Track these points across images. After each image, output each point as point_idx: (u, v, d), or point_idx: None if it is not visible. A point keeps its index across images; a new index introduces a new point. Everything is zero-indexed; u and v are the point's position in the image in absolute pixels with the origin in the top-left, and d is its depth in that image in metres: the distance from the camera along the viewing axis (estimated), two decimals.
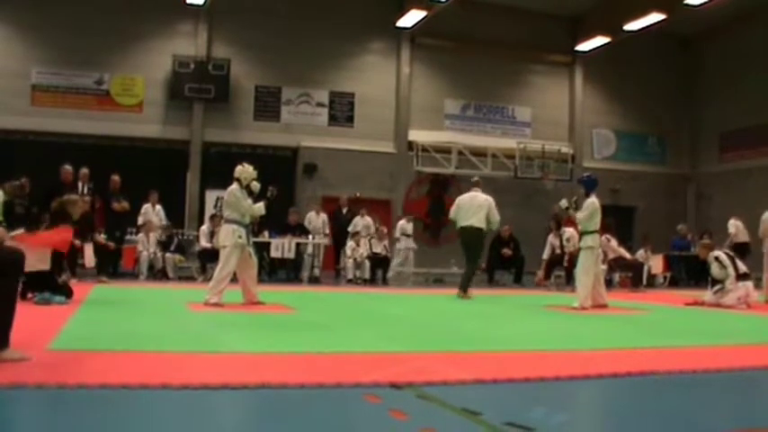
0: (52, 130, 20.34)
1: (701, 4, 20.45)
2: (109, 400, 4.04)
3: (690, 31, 25.60)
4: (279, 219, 17.61)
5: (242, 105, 22.31)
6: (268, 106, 22.56)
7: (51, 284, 9.34)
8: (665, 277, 20.34)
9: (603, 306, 11.59)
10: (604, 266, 15.02)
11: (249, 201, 10.52)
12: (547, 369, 5.23)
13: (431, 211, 23.56)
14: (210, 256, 15.42)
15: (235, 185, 10.50)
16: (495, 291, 16.88)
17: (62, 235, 9.31)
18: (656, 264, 19.53)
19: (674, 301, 13.67)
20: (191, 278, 16.89)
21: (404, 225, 20.12)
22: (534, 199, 22.98)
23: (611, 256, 17.42)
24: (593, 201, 11.78)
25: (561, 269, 17.99)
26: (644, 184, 25.76)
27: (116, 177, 16.61)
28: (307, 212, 19.23)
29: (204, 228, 17.34)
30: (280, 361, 5.53)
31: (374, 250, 18.25)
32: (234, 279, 10.44)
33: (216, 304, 9.82)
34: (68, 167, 15.37)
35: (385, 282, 18.17)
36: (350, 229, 18.64)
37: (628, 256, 18.43)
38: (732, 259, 12.79)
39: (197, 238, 17.95)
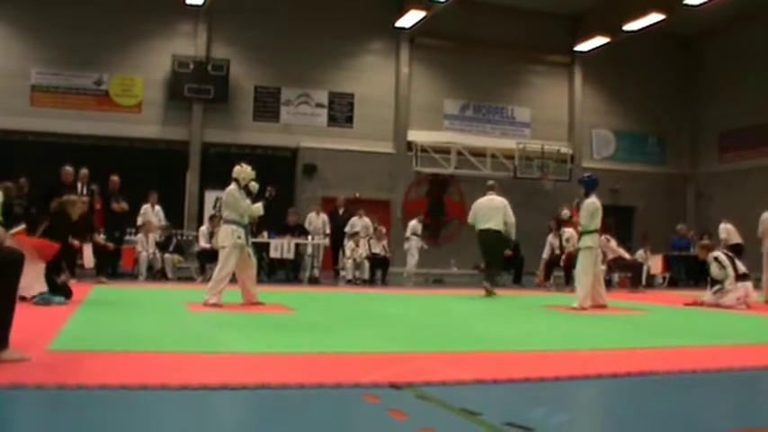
0: (51, 131, 20.33)
1: (701, 5, 20.45)
2: (108, 400, 4.04)
3: (689, 31, 25.61)
4: (278, 219, 17.62)
5: (241, 106, 22.30)
6: (267, 107, 22.55)
7: (51, 285, 9.33)
8: (664, 277, 20.36)
9: (603, 306, 11.59)
10: (604, 267, 15.02)
11: (248, 201, 10.51)
12: (546, 369, 5.23)
13: (430, 211, 23.56)
14: (210, 257, 15.41)
15: (233, 186, 10.49)
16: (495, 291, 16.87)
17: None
18: (655, 264, 19.54)
19: (673, 302, 13.67)
20: (190, 279, 16.89)
21: (415, 225, 20.26)
22: (534, 199, 22.97)
23: (610, 256, 17.42)
24: (592, 201, 11.78)
25: (561, 269, 17.99)
26: (643, 185, 25.76)
27: (115, 178, 16.60)
28: (306, 213, 19.22)
29: (203, 228, 17.35)
30: (279, 361, 5.53)
31: (373, 251, 18.25)
32: (233, 279, 10.43)
33: (215, 305, 9.82)
34: (69, 168, 15.37)
35: (384, 282, 18.17)
36: (347, 229, 18.62)
37: (627, 256, 18.44)
38: (731, 260, 12.79)
39: (196, 238, 17.96)
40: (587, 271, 11.56)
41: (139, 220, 17.38)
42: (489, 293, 14.02)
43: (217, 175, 18.78)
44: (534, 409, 4.12)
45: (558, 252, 17.90)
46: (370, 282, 17.90)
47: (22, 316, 5.19)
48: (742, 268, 12.74)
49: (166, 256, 16.99)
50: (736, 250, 17.22)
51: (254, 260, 10.90)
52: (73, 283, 11.33)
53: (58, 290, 9.51)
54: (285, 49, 22.45)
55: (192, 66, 21.52)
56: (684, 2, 20.44)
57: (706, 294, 12.87)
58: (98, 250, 14.97)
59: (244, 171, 10.56)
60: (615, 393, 4.92)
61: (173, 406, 4.02)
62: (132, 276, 16.53)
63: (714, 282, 12.76)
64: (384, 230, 19.08)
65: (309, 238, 17.96)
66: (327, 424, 3.75)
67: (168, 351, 5.86)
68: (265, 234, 17.21)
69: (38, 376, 4.38)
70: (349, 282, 17.74)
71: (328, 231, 18.59)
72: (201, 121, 21.78)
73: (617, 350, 6.75)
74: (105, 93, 21.28)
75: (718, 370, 5.60)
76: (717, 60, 25.80)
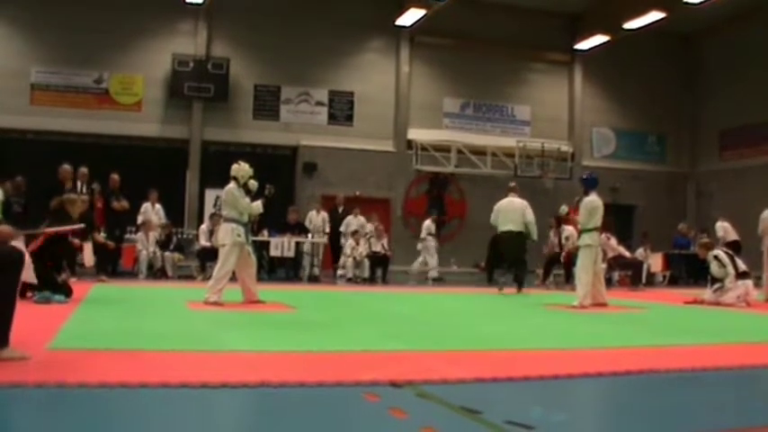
0: (51, 129, 20.32)
1: (701, 3, 20.44)
2: (108, 398, 4.04)
3: (689, 30, 25.59)
4: (278, 218, 17.61)
5: (241, 104, 22.29)
6: (267, 105, 22.54)
7: (51, 283, 9.34)
8: (664, 276, 20.36)
9: (603, 304, 11.59)
10: (604, 265, 15.02)
11: (247, 199, 10.51)
12: (547, 368, 5.24)
13: (430, 209, 23.53)
14: (210, 255, 15.41)
15: (232, 184, 10.49)
16: (494, 289, 16.87)
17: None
18: (655, 262, 19.54)
19: (673, 300, 13.68)
20: (190, 277, 16.88)
21: (429, 225, 20.26)
22: (534, 197, 22.70)
23: (610, 254, 17.43)
24: (591, 199, 11.79)
25: (560, 267, 17.99)
26: (643, 183, 25.75)
27: (115, 176, 16.60)
28: (307, 211, 19.22)
29: (204, 226, 17.35)
30: (279, 360, 5.54)
31: (374, 249, 18.25)
32: (233, 278, 10.44)
33: (215, 303, 9.82)
34: (67, 167, 15.36)
35: (384, 280, 18.16)
36: (342, 228, 18.56)
37: (627, 254, 18.45)
38: (731, 258, 12.80)
39: (196, 236, 17.96)
40: (587, 269, 11.57)
41: (140, 219, 17.37)
42: (519, 291, 14.75)
43: (217, 173, 18.74)
44: (534, 407, 4.12)
45: (557, 250, 17.89)
46: (371, 280, 17.90)
47: (23, 314, 5.20)
48: (742, 266, 12.75)
49: (167, 254, 16.99)
50: (734, 248, 17.24)
51: (253, 258, 10.90)
52: (73, 282, 11.34)
53: (59, 288, 9.52)
54: (285, 48, 22.43)
55: (192, 64, 21.50)
56: (684, 0, 20.43)
57: (706, 293, 12.87)
58: (98, 249, 14.96)
59: (242, 169, 10.56)
60: (615, 392, 4.92)
61: (173, 404, 4.03)
62: (132, 275, 16.53)
63: (714, 280, 12.76)
64: (382, 228, 19.04)
65: (309, 236, 17.95)
66: (327, 422, 3.75)
67: (168, 349, 5.87)
68: (266, 232, 17.21)
69: (38, 375, 4.39)
70: (349, 280, 17.74)
71: (328, 230, 18.59)
72: (201, 120, 21.77)
73: (617, 348, 6.75)
74: (105, 91, 21.27)
75: (718, 368, 5.61)
76: (717, 58, 25.78)
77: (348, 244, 18.16)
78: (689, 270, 20.82)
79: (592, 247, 11.70)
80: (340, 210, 19.44)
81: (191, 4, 21.12)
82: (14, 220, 9.72)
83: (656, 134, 26.61)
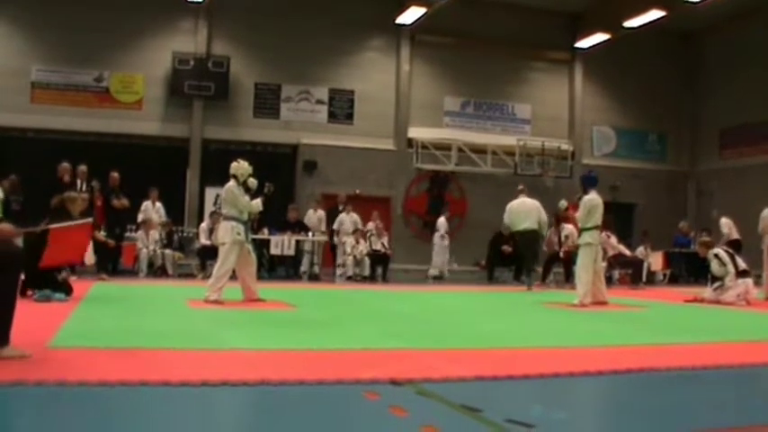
0: (52, 128, 20.31)
1: (701, 1, 20.42)
2: (109, 397, 4.04)
3: (690, 28, 25.56)
4: (278, 216, 17.61)
5: (242, 102, 22.27)
6: (268, 103, 22.53)
7: (51, 282, 9.34)
8: (664, 274, 20.35)
9: (603, 303, 11.60)
10: (604, 263, 15.03)
11: (246, 197, 10.51)
12: (547, 366, 5.24)
13: (430, 208, 23.54)
14: (210, 254, 15.41)
15: (232, 182, 10.50)
16: (494, 288, 16.90)
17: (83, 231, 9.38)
18: (655, 261, 19.54)
19: (673, 298, 13.69)
20: (190, 275, 16.89)
21: (443, 222, 20.27)
22: (534, 196, 22.74)
23: (610, 253, 17.44)
24: (590, 198, 11.79)
25: (560, 265, 17.99)
26: (644, 182, 25.72)
27: (115, 174, 16.60)
28: (307, 210, 19.22)
29: (204, 225, 17.34)
30: (279, 358, 5.54)
31: (374, 247, 18.25)
32: (233, 276, 10.44)
33: (215, 301, 9.83)
34: (66, 165, 15.36)
35: (385, 279, 18.16)
36: (335, 227, 18.48)
37: (627, 253, 18.45)
38: (732, 256, 12.80)
39: (197, 235, 17.96)
40: (587, 268, 11.58)
41: (140, 217, 17.37)
42: (529, 289, 15.34)
43: (217, 171, 18.69)
44: (534, 405, 4.13)
45: (557, 248, 17.89)
46: (371, 278, 17.90)
47: (23, 313, 5.20)
48: (742, 265, 12.75)
49: (167, 252, 16.99)
50: (735, 246, 17.24)
51: (253, 257, 10.90)
52: (73, 280, 11.34)
53: (59, 287, 9.52)
54: (285, 46, 22.42)
55: (192, 62, 21.49)
56: None
57: (706, 291, 12.87)
58: (99, 247, 14.95)
59: (241, 167, 10.56)
60: (615, 390, 4.93)
61: (173, 402, 4.03)
62: (133, 273, 16.54)
63: (714, 278, 12.76)
64: (381, 225, 19.03)
65: (309, 234, 17.95)
66: (328, 421, 3.76)
67: (169, 348, 5.87)
68: (266, 231, 17.21)
69: (38, 373, 4.39)
70: (349, 278, 17.74)
71: (324, 228, 18.58)
72: (202, 118, 21.75)
73: (617, 347, 6.75)
74: (106, 90, 21.25)
75: (718, 367, 5.61)
76: (717, 57, 25.76)
77: (348, 242, 18.14)
78: (689, 268, 20.83)
79: (592, 246, 11.71)
80: (340, 208, 19.39)
81: (191, 2, 21.10)
82: (14, 219, 9.73)
83: (656, 133, 26.58)
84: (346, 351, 6.02)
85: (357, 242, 18.07)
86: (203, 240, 16.83)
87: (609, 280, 16.49)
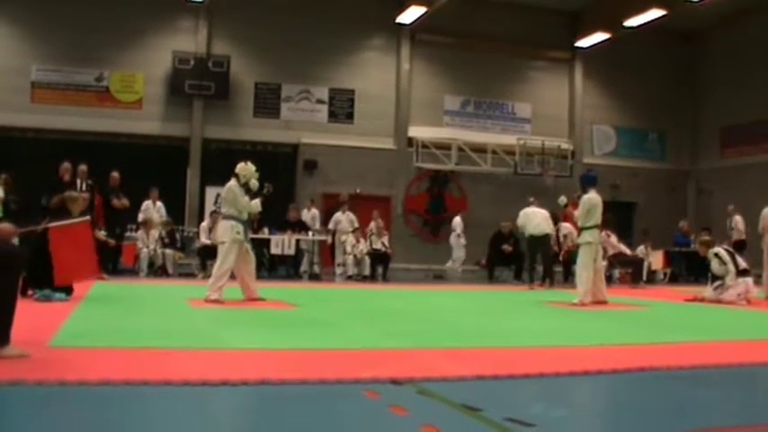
0: (52, 127, 20.32)
1: (701, 0, 20.42)
2: (109, 396, 4.05)
3: (690, 27, 25.55)
4: (279, 215, 17.61)
5: (242, 102, 22.28)
6: (268, 103, 22.54)
7: (52, 281, 9.33)
8: (665, 273, 20.34)
9: (603, 302, 11.59)
10: (605, 262, 15.02)
11: (246, 198, 10.52)
12: (547, 365, 5.25)
13: (430, 207, 23.56)
14: (211, 253, 15.38)
15: (233, 181, 10.50)
16: (495, 287, 16.90)
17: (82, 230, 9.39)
18: (656, 260, 19.51)
19: (673, 298, 13.68)
20: (191, 275, 16.88)
21: (459, 222, 20.29)
22: (534, 195, 22.77)
23: (611, 252, 17.41)
24: (589, 197, 11.78)
25: (559, 264, 17.98)
26: (644, 180, 25.73)
27: (116, 174, 16.58)
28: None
29: (204, 224, 17.32)
30: (280, 357, 5.55)
31: (374, 246, 18.24)
32: (232, 276, 10.44)
33: (216, 301, 9.84)
34: (67, 165, 15.34)
35: (385, 278, 18.15)
36: (330, 226, 18.45)
37: (628, 252, 18.43)
38: (732, 255, 12.79)
39: (197, 234, 17.95)
40: (587, 267, 11.57)
41: (140, 217, 17.36)
42: (547, 287, 15.89)
43: (217, 171, 18.74)
44: (534, 404, 4.13)
45: (555, 248, 17.86)
46: (371, 278, 17.89)
47: (23, 313, 5.20)
48: (743, 264, 12.74)
49: (167, 252, 16.98)
50: (738, 246, 17.25)
51: (252, 256, 10.89)
52: None
53: (60, 286, 9.51)
54: (286, 46, 22.42)
55: (192, 62, 21.49)
56: None
57: (707, 290, 12.86)
58: (99, 247, 14.92)
59: (247, 168, 10.58)
60: (615, 389, 4.93)
61: (174, 402, 4.03)
62: (133, 273, 16.53)
63: (715, 277, 12.76)
64: (382, 224, 19.01)
65: (310, 234, 17.95)
66: (328, 420, 3.76)
67: (169, 347, 5.88)
68: (266, 230, 17.21)
69: (39, 372, 4.40)
70: (349, 278, 17.73)
71: (318, 226, 18.57)
72: (202, 118, 21.76)
73: (617, 346, 6.75)
74: (106, 89, 21.26)
75: (718, 366, 5.61)
76: (717, 56, 25.76)
77: (349, 241, 18.12)
78: (689, 267, 20.81)
79: (591, 245, 11.70)
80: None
81: (191, 1, 21.11)
82: (14, 218, 9.74)
83: (656, 131, 26.59)
84: (346, 350, 6.03)
85: (357, 241, 18.05)
86: (204, 240, 16.81)
87: (609, 279, 16.48)
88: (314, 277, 17.56)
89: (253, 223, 12.61)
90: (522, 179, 23.66)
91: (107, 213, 16.18)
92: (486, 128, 24.43)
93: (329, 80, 23.00)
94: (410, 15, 22.18)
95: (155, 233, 17.07)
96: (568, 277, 16.55)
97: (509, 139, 23.99)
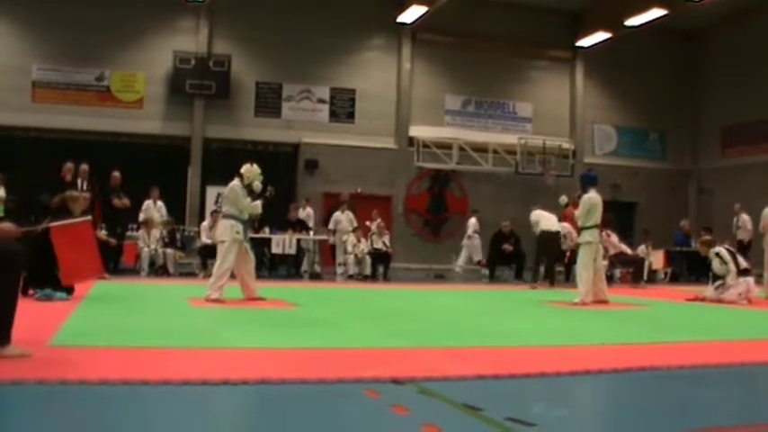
0: (53, 127, 20.32)
1: (702, 0, 20.42)
2: (110, 395, 4.05)
3: (691, 27, 25.54)
4: (280, 215, 17.60)
5: (243, 101, 22.28)
6: (269, 102, 22.54)
7: (53, 281, 9.34)
8: (665, 273, 20.32)
9: (604, 302, 11.59)
10: (605, 262, 15.03)
11: (248, 199, 10.53)
12: (547, 365, 5.24)
13: (431, 206, 23.56)
14: (211, 252, 15.37)
15: (236, 181, 10.51)
16: (495, 286, 16.90)
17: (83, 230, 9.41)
18: (657, 259, 19.50)
19: (674, 297, 13.68)
20: (192, 274, 16.88)
21: (474, 222, 20.28)
22: (535, 195, 22.84)
23: (611, 251, 17.40)
24: (589, 197, 11.78)
25: (563, 264, 17.98)
26: (645, 180, 25.72)
27: (117, 174, 16.58)
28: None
29: (205, 224, 17.32)
30: (280, 357, 5.55)
31: (375, 246, 18.23)
32: (232, 275, 10.44)
33: (216, 300, 9.84)
34: (70, 165, 15.32)
35: (386, 278, 18.15)
36: (330, 226, 18.43)
37: (629, 251, 18.42)
38: (733, 255, 12.79)
39: (198, 233, 17.95)
40: (587, 266, 11.57)
41: (141, 216, 17.36)
42: (548, 287, 15.80)
43: (218, 170, 18.77)
44: (535, 404, 4.13)
45: (564, 247, 17.83)
46: (372, 277, 17.88)
47: (24, 312, 5.20)
48: (743, 263, 12.74)
49: (168, 251, 16.97)
50: (742, 247, 17.25)
51: (251, 255, 10.89)
52: None
53: (60, 286, 9.51)
54: (286, 45, 22.41)
55: (193, 61, 21.49)
56: None
57: (708, 290, 12.85)
58: (100, 246, 14.92)
59: (252, 170, 10.60)
60: (616, 388, 4.93)
61: (174, 401, 4.03)
62: (134, 272, 16.53)
63: (716, 277, 12.75)
64: (381, 223, 19.00)
65: (311, 233, 17.95)
66: (329, 419, 3.76)
67: (170, 346, 5.88)
68: (267, 229, 17.21)
69: (39, 372, 4.40)
70: (350, 277, 17.72)
71: (311, 224, 18.58)
72: (203, 117, 21.76)
73: (618, 345, 6.75)
74: (107, 89, 21.26)
75: (719, 365, 5.61)
76: (718, 56, 25.75)
77: (349, 241, 18.11)
78: (690, 267, 20.80)
79: (591, 245, 11.69)
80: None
81: (192, 1, 21.12)
82: (14, 218, 9.74)
83: (657, 131, 26.58)
84: (347, 350, 6.03)
85: (358, 241, 18.04)
86: (204, 239, 16.81)
87: (610, 279, 16.48)
88: (315, 277, 17.56)
89: (254, 223, 12.61)
90: (523, 179, 23.67)
91: (105, 212, 16.13)
92: (487, 127, 24.42)
93: (330, 80, 23.00)
94: (411, 15, 22.18)
95: (156, 233, 17.07)
96: (570, 277, 16.53)
97: (510, 139, 23.98)
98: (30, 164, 18.22)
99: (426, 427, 3.47)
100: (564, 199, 13.76)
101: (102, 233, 15.18)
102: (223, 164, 18.20)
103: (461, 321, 8.81)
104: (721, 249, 12.90)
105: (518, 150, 23.82)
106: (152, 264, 16.84)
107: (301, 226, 17.95)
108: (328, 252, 18.99)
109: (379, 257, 18.23)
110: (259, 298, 10.38)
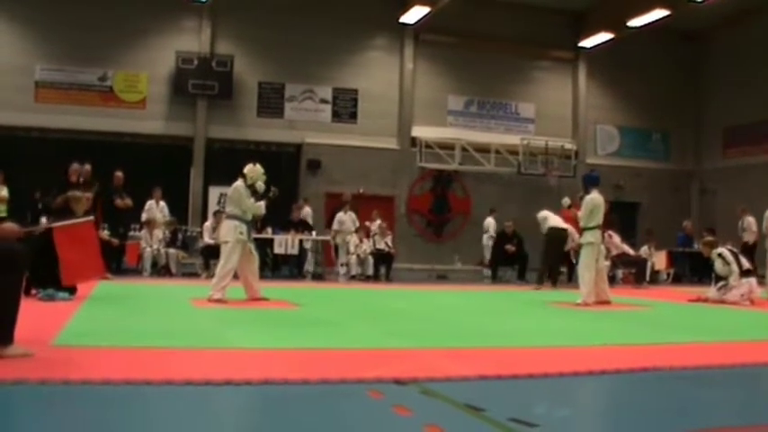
0: (56, 127, 20.34)
1: (705, 0, 20.40)
2: (112, 395, 4.05)
3: (694, 27, 25.52)
4: (282, 215, 17.61)
5: (245, 102, 22.28)
6: (271, 102, 22.54)
7: (55, 281, 9.34)
8: (668, 274, 20.33)
9: (606, 302, 11.59)
10: (608, 262, 15.03)
11: (252, 200, 10.53)
12: (550, 365, 5.24)
13: (434, 207, 23.55)
14: (214, 253, 15.36)
15: (240, 182, 10.51)
16: (498, 287, 16.90)
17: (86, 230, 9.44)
18: (659, 260, 19.51)
19: (677, 298, 13.67)
20: (194, 274, 16.90)
21: (491, 221, 20.27)
22: (538, 195, 22.90)
23: (614, 252, 17.41)
24: (592, 197, 11.78)
25: (564, 264, 17.97)
26: (647, 180, 25.71)
27: (119, 174, 16.60)
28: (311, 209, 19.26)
29: (208, 224, 17.34)
30: (283, 357, 5.55)
31: (377, 246, 18.24)
32: (235, 276, 10.44)
33: (219, 300, 9.84)
34: (76, 166, 15.27)
35: (388, 278, 18.16)
36: (335, 227, 18.40)
37: (631, 252, 18.42)
38: (735, 256, 12.78)
39: (200, 234, 17.97)
40: (589, 267, 11.56)
41: (144, 216, 17.38)
42: (551, 288, 15.79)
43: (221, 170, 18.78)
44: (538, 404, 4.12)
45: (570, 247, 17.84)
46: (374, 278, 17.89)
47: (27, 312, 5.21)
48: (746, 264, 12.73)
49: (171, 251, 16.99)
50: (746, 249, 17.23)
51: (256, 255, 10.89)
52: None
53: (63, 286, 9.52)
54: (289, 45, 22.42)
55: (196, 62, 21.51)
56: None
57: (710, 290, 12.85)
58: (102, 246, 14.92)
59: (255, 170, 10.59)
60: (618, 389, 4.92)
61: (177, 401, 4.03)
62: (137, 272, 16.55)
63: (718, 278, 12.75)
64: (383, 223, 19.01)
65: (313, 233, 17.96)
66: (331, 420, 3.76)
67: (172, 347, 5.88)
68: (269, 230, 17.22)
69: (42, 372, 4.40)
70: (353, 278, 17.73)
71: (310, 221, 18.62)
72: (206, 117, 21.77)
73: (620, 346, 6.74)
74: (109, 89, 21.28)
75: (721, 366, 5.60)
76: (721, 56, 25.73)
77: (352, 241, 18.12)
78: (693, 268, 20.80)
79: (593, 245, 11.69)
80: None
81: (195, 1, 21.13)
82: (17, 218, 9.76)
83: (660, 132, 26.56)
84: (350, 350, 6.03)
85: (360, 241, 18.05)
86: (207, 239, 16.82)
87: (612, 279, 16.50)
88: (317, 277, 17.57)
89: (256, 223, 12.61)
90: (525, 179, 23.66)
91: (105, 212, 16.11)
92: (489, 128, 24.42)
93: (333, 80, 23.01)
94: (413, 15, 22.18)
95: (158, 233, 17.09)
96: (572, 277, 16.54)
97: (512, 139, 23.98)
98: (32, 164, 18.24)
99: (429, 428, 3.47)
100: (567, 200, 13.79)
101: (105, 233, 15.19)
102: (226, 164, 18.20)
103: (464, 322, 8.81)
104: (724, 250, 12.89)
105: (520, 151, 23.81)
106: (154, 264, 16.87)
107: (304, 226, 17.96)
108: (329, 252, 19.00)
109: (382, 258, 18.25)
110: (262, 298, 10.38)
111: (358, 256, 17.92)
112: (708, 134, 26.22)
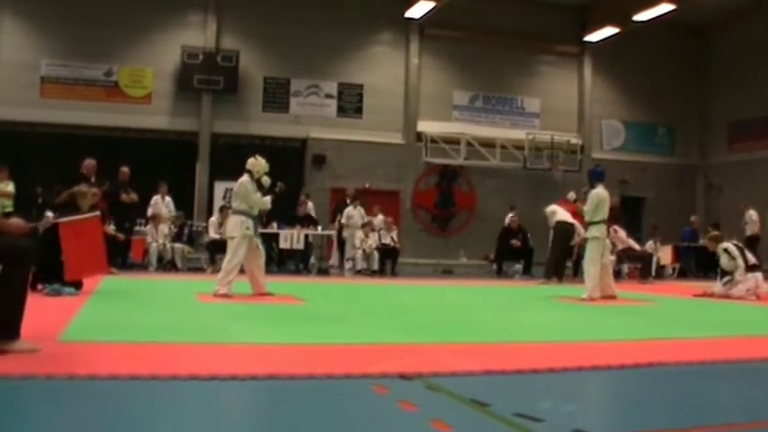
0: (61, 122, 20.37)
1: None
2: (118, 390, 4.06)
3: (699, 21, 25.47)
4: (287, 210, 17.61)
5: (251, 97, 22.30)
6: (277, 97, 22.55)
7: (61, 276, 9.36)
8: (674, 268, 20.28)
9: (612, 297, 11.58)
10: (613, 257, 15.00)
11: (258, 194, 10.52)
12: (555, 360, 5.24)
13: (439, 202, 23.55)
14: (219, 248, 15.39)
15: (246, 177, 10.50)
16: (503, 282, 16.88)
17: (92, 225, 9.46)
18: (665, 255, 19.46)
19: (682, 293, 13.65)
20: (200, 269, 16.91)
21: (513, 217, 20.24)
22: (543, 190, 22.87)
23: (620, 246, 17.36)
24: (597, 192, 11.77)
25: (570, 259, 17.94)
26: (653, 175, 25.68)
27: (125, 169, 16.60)
28: (316, 204, 19.24)
29: (213, 219, 17.34)
30: (288, 352, 5.55)
31: (383, 241, 18.23)
32: (241, 270, 10.45)
33: (225, 295, 9.85)
34: (90, 161, 15.15)
35: (394, 273, 18.15)
36: (343, 221, 18.36)
37: (637, 247, 18.38)
38: (741, 250, 12.75)
39: (206, 229, 17.97)
40: (595, 261, 11.55)
41: (149, 211, 17.38)
42: (557, 283, 15.60)
43: (226, 165, 18.78)
44: (543, 399, 4.13)
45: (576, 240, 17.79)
46: (380, 272, 17.88)
47: (34, 307, 5.23)
48: (752, 259, 12.71)
49: (176, 246, 17.00)
50: (751, 242, 17.21)
51: (262, 250, 10.90)
52: None
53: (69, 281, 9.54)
54: (295, 40, 22.42)
55: (201, 57, 21.52)
56: None
57: (716, 285, 12.83)
58: (108, 241, 14.93)
59: (258, 164, 10.57)
60: (623, 384, 4.92)
61: (182, 396, 4.05)
62: (142, 267, 16.56)
63: (724, 273, 12.72)
64: (387, 219, 18.99)
65: (319, 228, 17.96)
66: (337, 415, 3.77)
67: (178, 341, 5.89)
68: (275, 225, 17.22)
69: (48, 366, 4.42)
70: (358, 272, 17.73)
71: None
72: (211, 112, 21.79)
73: (626, 341, 6.74)
74: (115, 84, 21.31)
75: (726, 361, 5.60)
76: (726, 50, 25.67)
77: (357, 236, 18.10)
78: (698, 263, 20.76)
79: (599, 240, 11.68)
80: (348, 201, 19.29)
81: None
82: (24, 213, 9.78)
83: (665, 126, 26.52)
84: (355, 345, 6.03)
85: (366, 236, 18.03)
86: (213, 234, 16.82)
87: (618, 274, 16.46)
88: (322, 272, 17.57)
89: (262, 218, 12.61)
90: (530, 174, 23.65)
91: (111, 207, 16.10)
92: (494, 122, 24.41)
93: (338, 75, 23.01)
94: (419, 10, 22.16)
95: (164, 228, 17.09)
96: (578, 272, 16.50)
97: (518, 134, 23.96)
98: (38, 159, 18.28)
99: (434, 423, 3.47)
100: (572, 195, 13.75)
101: (111, 228, 15.18)
102: (231, 159, 18.15)
103: (469, 317, 8.82)
104: (729, 245, 12.87)
105: (526, 146, 23.80)
106: (160, 259, 16.87)
107: (309, 221, 17.96)
108: (330, 246, 19.00)
109: (387, 253, 18.22)
110: (267, 293, 10.39)
111: (363, 250, 17.91)
112: (713, 129, 26.18)
